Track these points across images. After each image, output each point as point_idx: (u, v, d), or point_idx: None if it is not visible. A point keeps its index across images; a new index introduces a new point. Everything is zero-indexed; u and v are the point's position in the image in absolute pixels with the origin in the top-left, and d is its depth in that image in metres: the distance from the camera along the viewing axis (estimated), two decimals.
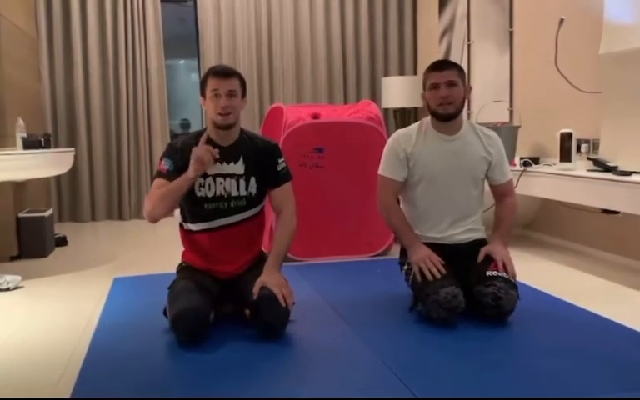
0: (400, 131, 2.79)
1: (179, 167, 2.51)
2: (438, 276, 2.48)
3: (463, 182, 2.68)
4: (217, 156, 2.47)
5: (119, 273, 3.62)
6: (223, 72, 2.51)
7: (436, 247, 2.63)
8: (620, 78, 3.43)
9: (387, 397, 1.89)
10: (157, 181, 2.54)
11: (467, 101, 2.67)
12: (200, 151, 2.43)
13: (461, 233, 2.70)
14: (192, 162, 2.43)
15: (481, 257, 2.58)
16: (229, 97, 2.48)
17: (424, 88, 2.68)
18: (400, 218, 2.74)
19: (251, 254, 2.65)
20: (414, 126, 2.77)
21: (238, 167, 2.56)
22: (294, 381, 2.05)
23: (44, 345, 2.51)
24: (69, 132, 5.84)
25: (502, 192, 2.76)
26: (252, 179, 2.57)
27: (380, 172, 2.76)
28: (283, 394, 1.93)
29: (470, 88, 2.68)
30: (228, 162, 2.55)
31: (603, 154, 3.53)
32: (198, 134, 2.59)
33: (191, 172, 2.43)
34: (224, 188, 2.55)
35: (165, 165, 2.54)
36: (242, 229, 2.60)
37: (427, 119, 2.73)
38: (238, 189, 2.56)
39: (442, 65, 2.66)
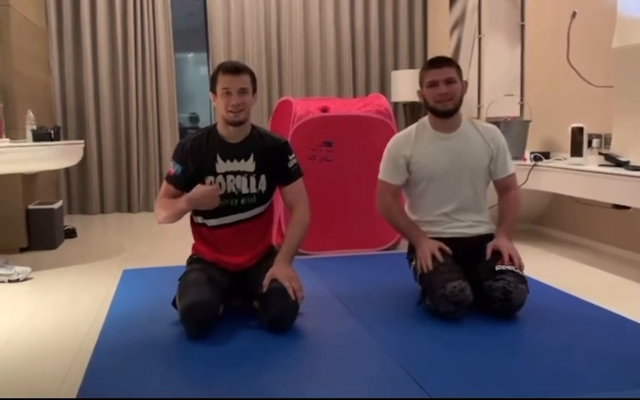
0: (399, 134, 2.81)
1: (187, 172, 2.54)
2: (430, 268, 2.48)
3: (465, 179, 2.68)
4: (219, 199, 2.48)
5: (128, 265, 3.63)
6: (234, 69, 2.50)
7: (443, 241, 2.63)
8: (633, 73, 3.40)
9: (391, 398, 1.88)
10: (165, 185, 2.61)
11: (463, 97, 2.68)
12: (205, 196, 2.45)
13: (466, 228, 2.69)
14: (194, 196, 2.45)
15: (488, 253, 2.57)
16: (240, 94, 2.47)
17: (421, 85, 2.68)
18: (403, 217, 2.75)
19: (260, 247, 2.65)
20: (413, 127, 2.77)
21: (249, 165, 2.55)
22: (302, 374, 2.05)
23: (53, 336, 2.52)
24: (78, 125, 5.86)
25: (504, 187, 2.76)
26: (263, 177, 2.57)
27: (380, 176, 2.78)
28: (291, 387, 1.93)
29: (466, 84, 2.70)
30: (239, 160, 2.54)
31: (615, 149, 3.50)
32: (209, 132, 2.59)
33: (187, 204, 2.47)
34: (235, 186, 2.54)
35: (173, 168, 2.57)
36: (252, 225, 2.60)
37: (426, 118, 2.74)
38: (249, 186, 2.56)
39: (440, 62, 2.65)
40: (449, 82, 2.60)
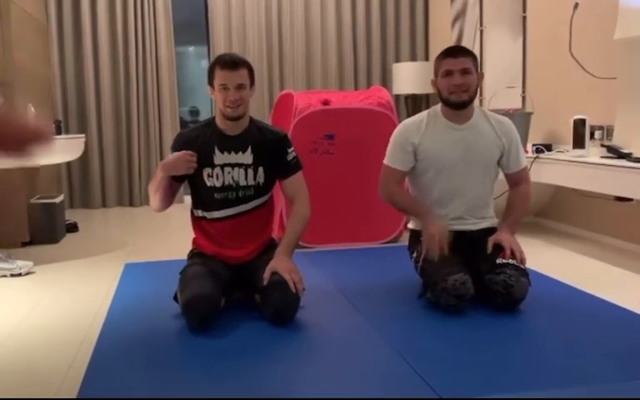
0: (408, 120, 2.73)
1: None
2: (436, 258, 2.47)
3: (475, 172, 2.64)
4: (195, 165, 2.50)
5: (130, 259, 3.63)
6: (232, 64, 2.47)
7: None
8: (635, 64, 3.39)
9: (394, 398, 1.88)
10: None
11: (479, 89, 2.63)
12: (178, 159, 2.48)
13: (470, 225, 2.67)
14: (167, 160, 2.50)
15: (489, 247, 2.54)
16: (238, 89, 2.46)
17: (435, 75, 2.62)
18: (406, 197, 2.74)
19: (261, 240, 2.65)
20: (424, 113, 2.71)
21: (246, 157, 2.55)
22: (304, 367, 2.05)
23: (56, 330, 2.52)
24: (79, 119, 5.86)
25: (516, 181, 2.72)
26: (261, 169, 2.56)
27: (386, 161, 2.72)
28: (293, 380, 1.93)
29: (482, 76, 2.64)
30: (236, 152, 2.54)
31: (617, 141, 3.49)
32: (207, 124, 2.59)
33: (161, 170, 2.49)
34: (232, 178, 2.54)
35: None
36: (251, 217, 2.60)
37: (438, 107, 2.68)
38: (246, 179, 2.55)
39: (456, 52, 2.59)
40: (465, 72, 2.53)
